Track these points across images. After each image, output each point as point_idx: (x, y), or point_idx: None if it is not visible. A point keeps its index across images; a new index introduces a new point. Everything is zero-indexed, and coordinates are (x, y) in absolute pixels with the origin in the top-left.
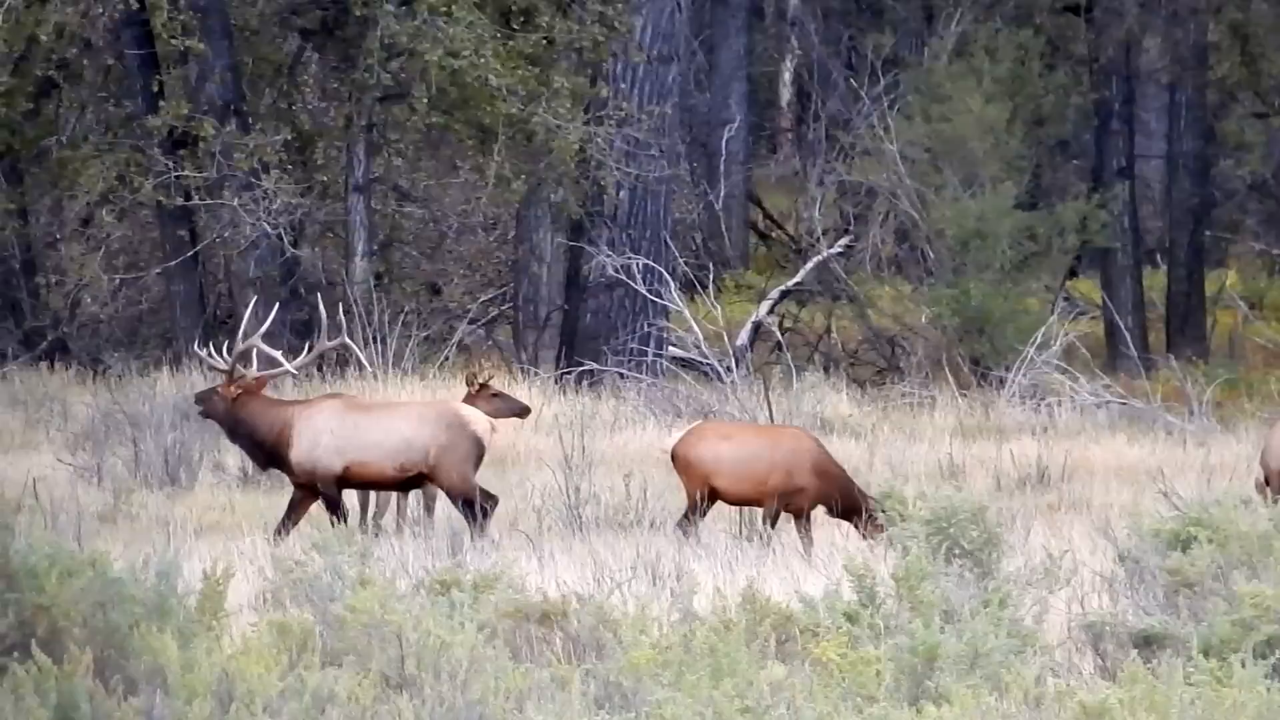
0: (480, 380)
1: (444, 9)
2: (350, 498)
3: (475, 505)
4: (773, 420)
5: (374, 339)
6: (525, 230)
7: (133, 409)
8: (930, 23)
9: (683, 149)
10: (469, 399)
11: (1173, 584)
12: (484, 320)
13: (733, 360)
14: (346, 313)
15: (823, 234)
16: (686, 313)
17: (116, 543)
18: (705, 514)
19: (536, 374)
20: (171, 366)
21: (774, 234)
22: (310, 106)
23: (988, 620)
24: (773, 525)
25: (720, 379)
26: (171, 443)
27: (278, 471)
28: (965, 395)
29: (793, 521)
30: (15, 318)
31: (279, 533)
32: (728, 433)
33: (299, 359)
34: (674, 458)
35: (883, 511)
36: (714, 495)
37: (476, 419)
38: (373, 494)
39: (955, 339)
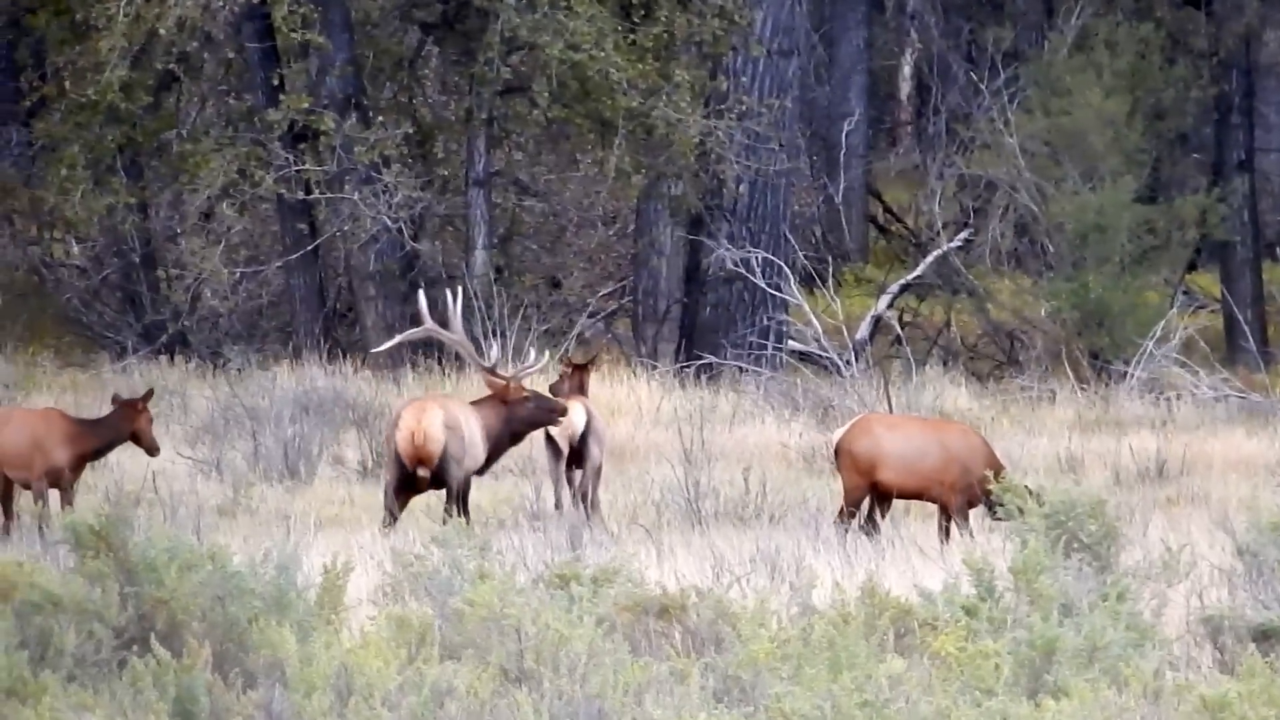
0: (576, 362)
1: (565, 2)
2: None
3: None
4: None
5: (494, 332)
6: (644, 224)
7: (252, 403)
8: (1050, 16)
9: (802, 143)
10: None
11: None
12: (603, 314)
13: (852, 354)
14: (467, 306)
15: (942, 228)
16: (805, 306)
17: (236, 537)
18: (878, 510)
19: (655, 367)
20: (291, 360)
21: (893, 228)
22: (430, 100)
23: (1106, 614)
24: (963, 520)
25: (839, 373)
26: (291, 436)
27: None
28: (1084, 389)
29: (939, 515)
30: (135, 311)
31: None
32: (894, 424)
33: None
34: (838, 451)
35: (1001, 506)
36: (878, 489)
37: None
38: None
39: (1074, 333)
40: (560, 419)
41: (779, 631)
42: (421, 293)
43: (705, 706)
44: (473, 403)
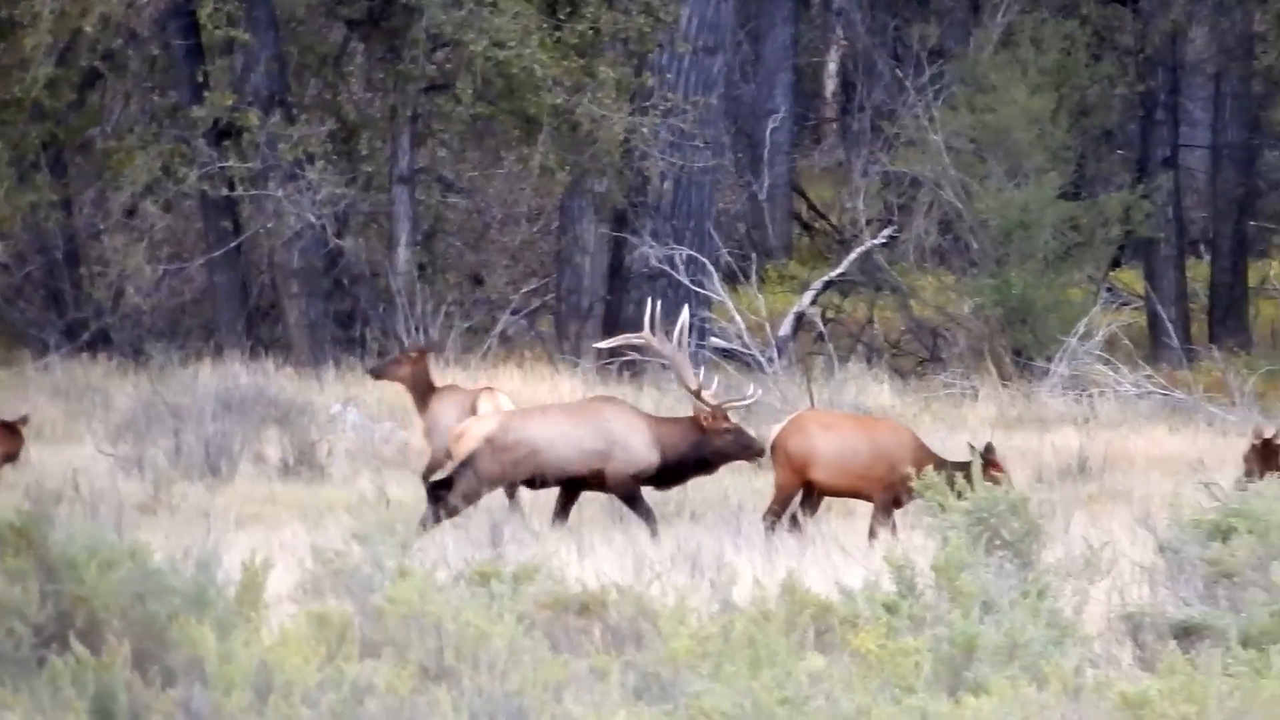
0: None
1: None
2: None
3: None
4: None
5: (417, 329)
6: (568, 221)
7: (174, 400)
8: (976, 13)
9: (727, 139)
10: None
11: (1212, 575)
12: (527, 311)
13: (775, 351)
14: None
15: (866, 224)
16: (729, 303)
17: (157, 534)
18: (809, 507)
19: (578, 364)
20: (213, 357)
21: (817, 225)
22: (355, 97)
23: (1026, 611)
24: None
25: (762, 369)
26: (213, 433)
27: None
28: (1007, 386)
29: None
30: (58, 308)
31: None
32: (829, 423)
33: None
34: (773, 448)
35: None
36: (811, 487)
37: None
38: None
39: (997, 329)
40: (758, 458)
41: (699, 629)
42: (649, 301)
43: (625, 704)
44: (666, 419)
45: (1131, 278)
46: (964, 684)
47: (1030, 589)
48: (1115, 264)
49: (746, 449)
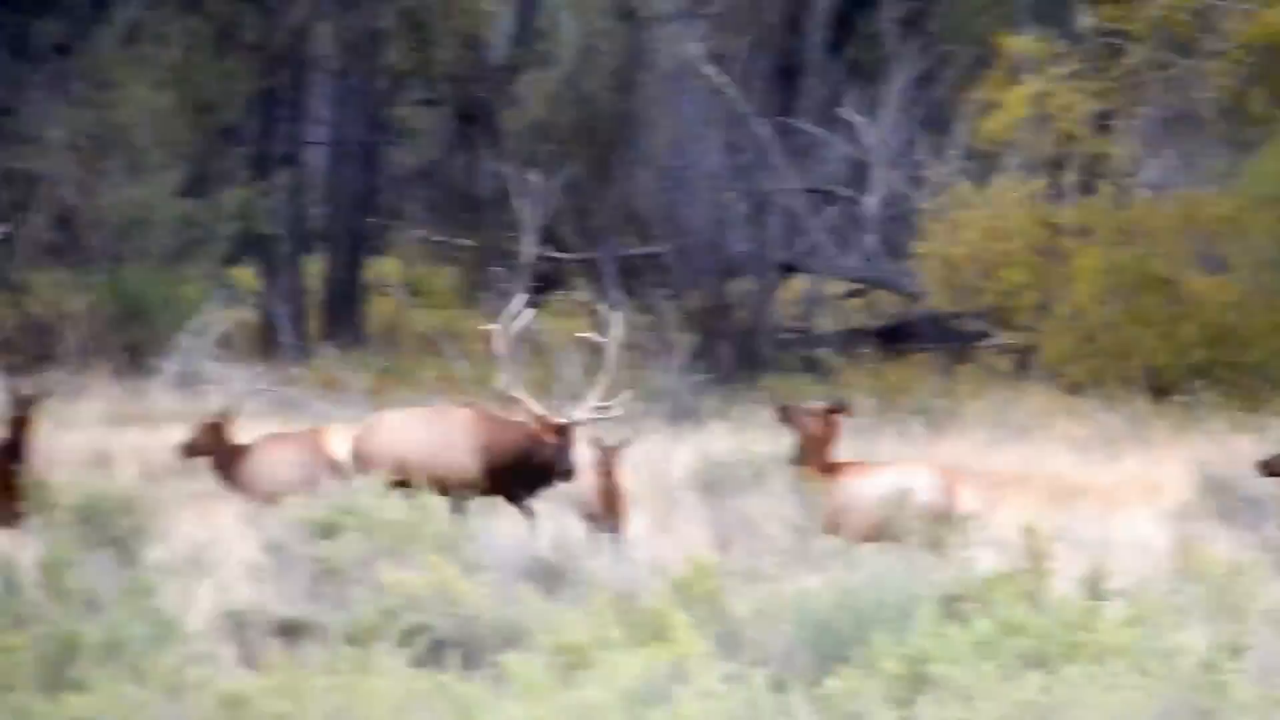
0: None
1: None
2: None
3: None
4: None
5: None
6: None
7: None
8: (103, 9)
9: None
10: None
11: (319, 572)
12: None
13: None
14: None
15: None
16: None
17: None
18: None
19: None
20: None
21: None
22: None
23: (129, 609)
24: None
25: None
26: None
27: None
28: (119, 382)
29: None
30: None
31: None
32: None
33: None
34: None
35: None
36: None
37: None
38: None
39: (111, 326)
40: (566, 480)
41: None
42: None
43: None
44: (510, 426)
45: (250, 275)
46: (66, 682)
47: (134, 586)
48: (234, 261)
49: (557, 467)
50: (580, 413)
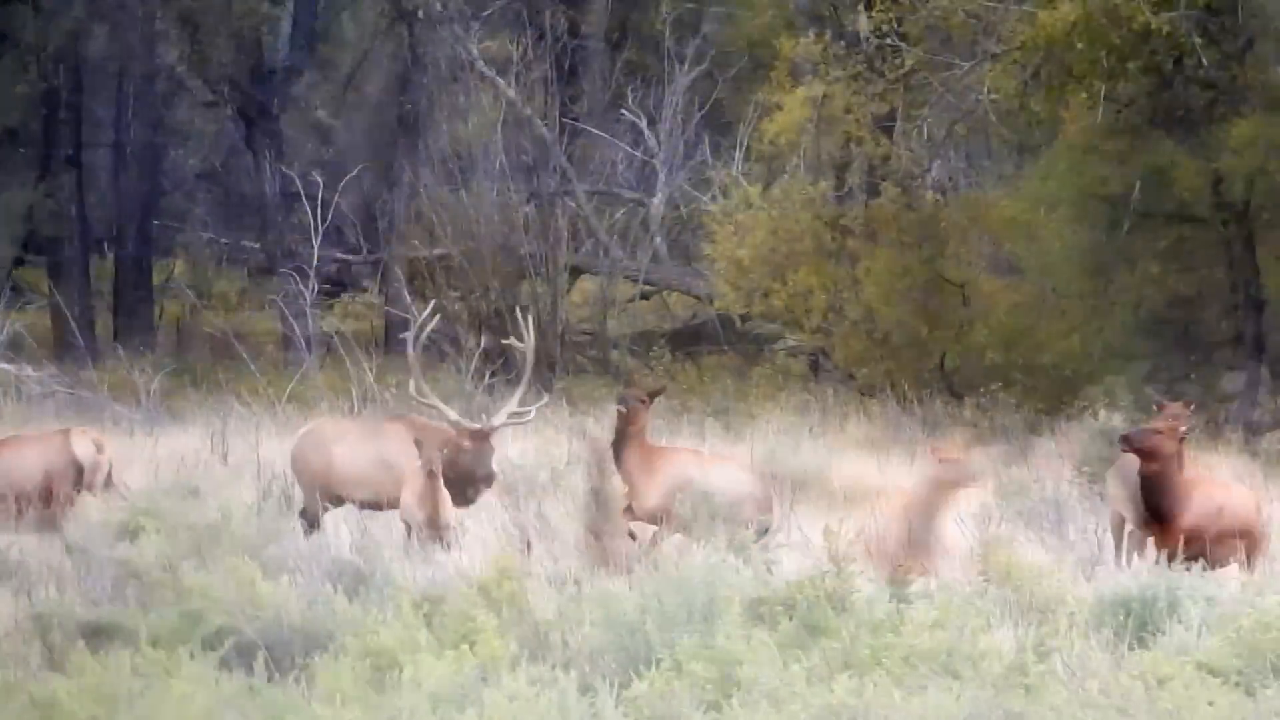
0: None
1: None
2: None
3: None
4: None
5: None
6: None
7: None
8: None
9: None
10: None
11: (122, 574)
12: None
13: None
14: None
15: None
16: None
17: None
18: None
19: None
20: None
21: None
22: None
23: None
24: None
25: None
26: None
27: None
28: None
29: None
30: None
31: None
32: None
33: None
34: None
35: None
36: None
37: None
38: None
39: None
40: (485, 486)
41: None
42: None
43: None
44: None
45: (37, 276)
46: None
47: None
48: (20, 262)
49: (477, 473)
50: (498, 419)
